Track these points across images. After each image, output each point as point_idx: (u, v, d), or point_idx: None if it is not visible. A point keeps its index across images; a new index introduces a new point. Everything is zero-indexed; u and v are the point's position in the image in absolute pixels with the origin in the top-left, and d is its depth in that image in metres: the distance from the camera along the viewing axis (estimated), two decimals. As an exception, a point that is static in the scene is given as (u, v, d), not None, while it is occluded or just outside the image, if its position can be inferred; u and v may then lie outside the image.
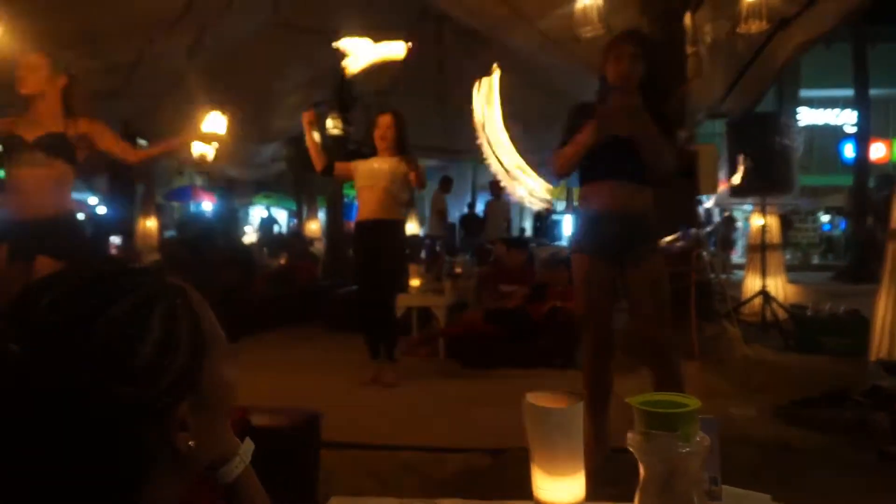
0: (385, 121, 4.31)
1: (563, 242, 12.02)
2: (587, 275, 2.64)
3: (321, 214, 11.24)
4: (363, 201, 4.27)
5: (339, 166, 4.35)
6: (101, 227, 9.05)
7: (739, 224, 14.24)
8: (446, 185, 10.47)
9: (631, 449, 0.79)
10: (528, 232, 14.02)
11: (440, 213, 10.30)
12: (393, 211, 4.24)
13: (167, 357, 0.57)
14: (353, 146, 8.82)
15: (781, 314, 5.83)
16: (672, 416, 0.77)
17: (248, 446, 0.77)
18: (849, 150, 13.21)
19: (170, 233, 10.16)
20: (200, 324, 0.62)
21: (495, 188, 10.48)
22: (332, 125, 7.43)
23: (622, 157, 2.56)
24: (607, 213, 2.59)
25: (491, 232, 9.53)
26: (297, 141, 8.53)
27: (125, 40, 4.40)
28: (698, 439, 0.78)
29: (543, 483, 0.97)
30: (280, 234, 14.07)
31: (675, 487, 0.77)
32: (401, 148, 4.30)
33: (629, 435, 0.80)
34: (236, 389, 0.69)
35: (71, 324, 0.54)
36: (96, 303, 0.56)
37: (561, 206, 14.30)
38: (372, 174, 4.24)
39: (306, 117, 4.26)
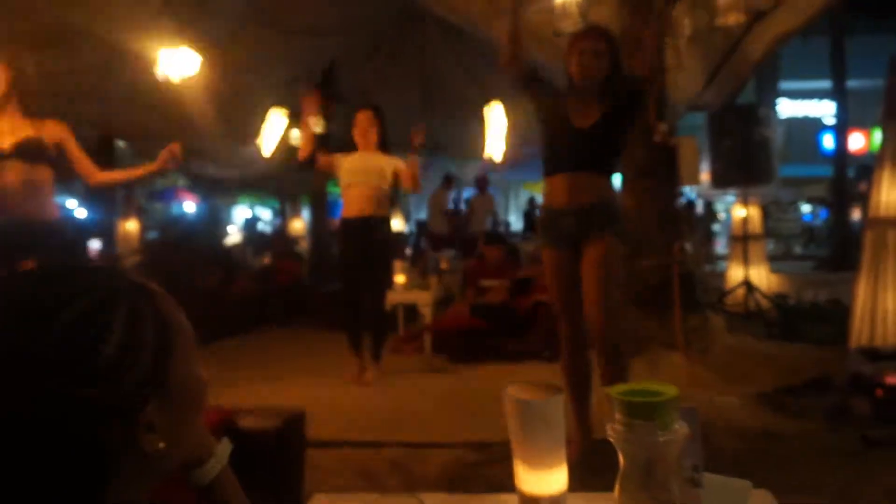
0: (365, 117, 4.26)
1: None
2: (552, 268, 2.68)
3: (305, 213, 11.19)
4: (351, 198, 4.19)
5: (323, 159, 4.29)
6: (80, 231, 8.93)
7: (722, 215, 14.36)
8: (449, 182, 10.48)
9: (611, 439, 0.79)
10: (514, 226, 14.05)
11: (442, 210, 10.26)
12: (382, 207, 4.20)
13: (130, 357, 0.56)
14: (336, 143, 8.80)
15: (764, 304, 5.89)
16: (650, 405, 0.77)
17: (225, 447, 0.75)
18: (828, 141, 13.34)
19: (152, 234, 10.06)
20: (166, 323, 0.61)
21: (481, 182, 10.49)
22: (314, 122, 7.39)
23: (575, 149, 2.62)
24: (562, 206, 2.63)
25: (475, 226, 9.54)
26: (281, 140, 8.48)
27: (97, 40, 4.33)
28: (677, 427, 0.78)
29: (526, 475, 0.97)
30: (263, 233, 13.99)
31: (656, 475, 0.77)
32: (383, 144, 4.26)
33: (609, 424, 0.80)
34: (207, 389, 0.67)
35: (27, 323, 0.53)
36: (53, 302, 0.55)
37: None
38: (361, 170, 4.17)
39: (308, 103, 4.18)
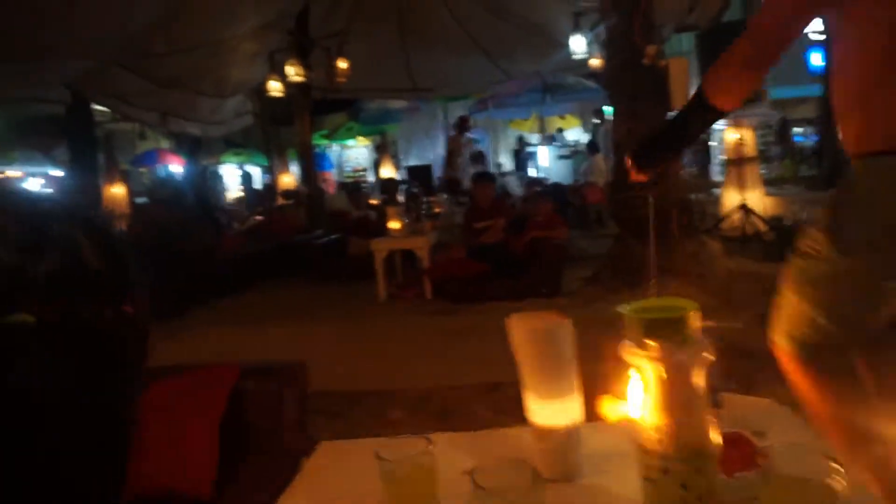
0: None
1: (539, 173, 11.96)
2: None
3: (294, 167, 10.98)
4: None
5: None
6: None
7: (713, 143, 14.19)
8: (463, 124, 10.28)
9: (627, 359, 0.74)
10: (507, 166, 13.89)
11: (452, 154, 10.05)
12: None
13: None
14: (317, 92, 8.55)
15: (761, 226, 5.86)
16: (670, 322, 0.72)
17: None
18: (816, 59, 13.06)
19: (140, 199, 9.90)
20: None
21: (462, 123, 10.26)
22: (294, 72, 7.15)
23: None
24: None
25: (455, 169, 9.32)
26: (261, 93, 8.23)
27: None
28: (698, 344, 0.73)
29: (538, 407, 0.93)
30: (256, 189, 13.81)
31: (677, 396, 0.73)
32: None
33: (623, 345, 0.74)
34: None
35: None
36: None
37: (535, 138, 14.13)
38: None
39: None
